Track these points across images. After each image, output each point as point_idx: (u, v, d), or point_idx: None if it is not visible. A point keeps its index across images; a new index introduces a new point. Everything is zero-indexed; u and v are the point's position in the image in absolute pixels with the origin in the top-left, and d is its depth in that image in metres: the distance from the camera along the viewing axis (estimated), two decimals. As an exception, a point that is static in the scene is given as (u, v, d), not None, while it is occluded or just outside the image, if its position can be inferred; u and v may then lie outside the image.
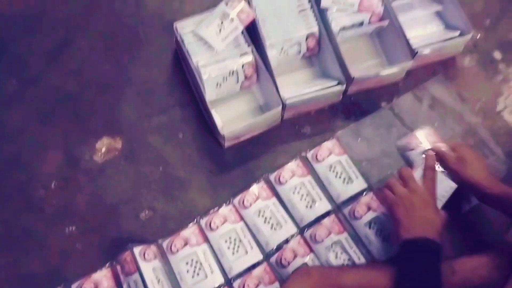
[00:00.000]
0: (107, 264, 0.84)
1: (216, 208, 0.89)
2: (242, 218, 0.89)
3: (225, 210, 0.89)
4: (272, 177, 0.92)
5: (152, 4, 1.08)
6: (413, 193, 0.80)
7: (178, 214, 0.90)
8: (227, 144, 0.93)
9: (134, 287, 0.79)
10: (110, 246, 0.87)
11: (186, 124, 0.97)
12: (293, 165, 0.92)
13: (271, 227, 0.88)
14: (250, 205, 0.89)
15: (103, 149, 0.95)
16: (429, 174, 0.84)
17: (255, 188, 0.90)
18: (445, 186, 0.85)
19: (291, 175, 0.91)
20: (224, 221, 0.88)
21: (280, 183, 0.91)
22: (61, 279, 0.84)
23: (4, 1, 1.06)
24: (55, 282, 0.84)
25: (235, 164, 0.95)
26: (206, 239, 0.87)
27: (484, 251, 0.83)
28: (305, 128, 0.98)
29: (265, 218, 0.89)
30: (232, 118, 0.97)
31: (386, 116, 0.99)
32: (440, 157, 0.88)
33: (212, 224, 0.87)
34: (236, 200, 0.90)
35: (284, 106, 0.91)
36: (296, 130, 0.98)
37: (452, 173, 0.86)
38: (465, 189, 0.86)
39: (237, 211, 0.89)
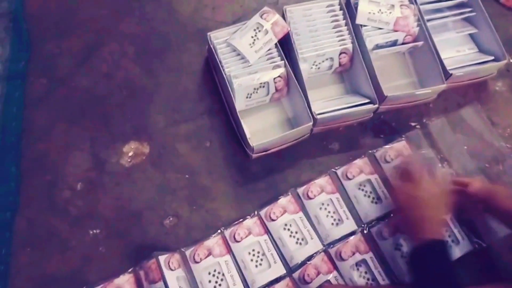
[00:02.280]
0: (130, 270, 0.84)
1: (240, 220, 0.89)
2: (266, 231, 0.88)
3: (250, 222, 0.88)
4: (300, 191, 0.91)
5: (184, 11, 1.08)
6: (419, 191, 0.80)
7: (202, 222, 0.90)
8: (254, 155, 0.93)
9: (157, 295, 0.79)
10: (133, 251, 0.86)
11: (214, 133, 0.97)
12: (322, 181, 0.92)
13: (297, 242, 0.87)
14: (277, 218, 0.88)
15: (130, 153, 0.95)
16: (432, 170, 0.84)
17: (282, 201, 0.90)
18: None
19: (320, 191, 0.91)
20: (248, 233, 0.87)
21: (308, 197, 0.90)
22: (82, 282, 0.84)
23: (36, 2, 1.07)
24: (77, 284, 0.84)
25: (261, 176, 0.94)
26: (230, 250, 0.86)
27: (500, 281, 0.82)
28: (333, 144, 0.98)
29: (291, 232, 0.88)
30: (260, 129, 0.97)
31: (415, 137, 0.98)
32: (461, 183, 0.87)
33: (236, 236, 0.86)
34: (262, 212, 0.89)
35: (314, 121, 0.91)
36: (323, 146, 0.97)
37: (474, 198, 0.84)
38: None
39: (262, 223, 0.89)
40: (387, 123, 0.99)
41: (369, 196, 0.91)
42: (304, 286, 0.84)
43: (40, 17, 1.05)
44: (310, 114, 0.90)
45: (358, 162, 0.94)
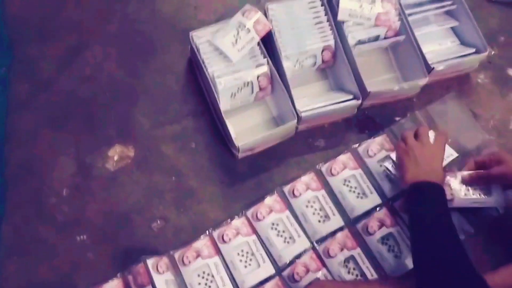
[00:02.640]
0: (119, 274, 0.84)
1: (228, 220, 0.89)
2: (254, 231, 0.88)
3: (238, 222, 0.89)
4: (286, 189, 0.92)
5: (166, 11, 1.08)
6: (423, 146, 0.87)
7: (190, 224, 0.90)
8: (240, 155, 0.93)
9: (147, 299, 0.79)
10: (121, 256, 0.86)
11: (199, 134, 0.97)
12: (307, 178, 0.92)
13: (284, 241, 0.88)
14: (264, 217, 0.88)
15: (116, 157, 0.94)
16: (441, 138, 0.89)
17: (268, 200, 0.90)
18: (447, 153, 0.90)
19: (305, 188, 0.91)
20: (236, 233, 0.87)
21: (294, 196, 0.91)
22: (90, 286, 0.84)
23: (16, 4, 1.06)
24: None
25: (248, 176, 0.95)
26: (218, 252, 0.86)
27: (499, 267, 0.83)
28: (319, 141, 0.98)
29: (278, 231, 0.88)
30: (245, 129, 0.97)
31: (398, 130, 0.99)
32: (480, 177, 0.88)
33: (224, 237, 0.87)
34: (249, 212, 0.89)
35: (299, 119, 0.91)
36: (309, 143, 0.98)
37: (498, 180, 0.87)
38: None
39: (250, 223, 0.89)
40: (371, 119, 1.00)
41: (354, 191, 0.92)
42: (294, 284, 0.85)
43: (20, 21, 1.04)
44: (294, 112, 0.90)
45: (342, 157, 0.94)
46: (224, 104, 0.93)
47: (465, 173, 0.89)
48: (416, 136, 0.89)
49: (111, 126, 0.97)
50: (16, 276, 0.85)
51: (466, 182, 0.89)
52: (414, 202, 0.82)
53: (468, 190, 0.88)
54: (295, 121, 0.90)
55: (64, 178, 0.92)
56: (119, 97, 0.99)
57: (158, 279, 0.79)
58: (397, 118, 1.00)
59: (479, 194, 0.88)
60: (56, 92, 0.99)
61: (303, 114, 0.91)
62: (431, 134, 0.90)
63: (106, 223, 0.89)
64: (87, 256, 0.87)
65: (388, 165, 0.93)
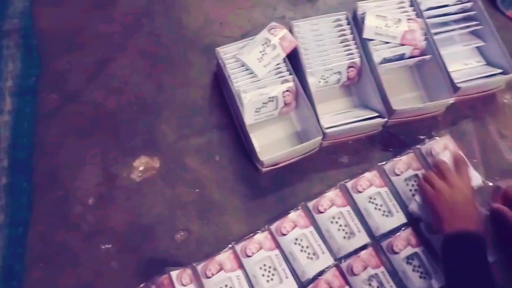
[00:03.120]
0: (142, 285, 0.84)
1: (251, 234, 0.89)
2: (277, 246, 0.88)
3: (261, 236, 0.89)
4: (310, 205, 0.92)
5: (192, 26, 1.09)
6: (453, 187, 0.82)
7: (213, 237, 0.90)
8: (264, 169, 0.93)
9: (170, 311, 0.79)
10: (144, 266, 0.87)
11: (223, 147, 0.98)
12: (332, 194, 0.92)
13: (308, 257, 0.87)
14: (288, 232, 0.88)
15: (141, 168, 0.95)
16: (463, 168, 0.85)
17: (293, 215, 0.90)
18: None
19: (330, 205, 0.91)
20: (259, 247, 0.87)
21: (318, 211, 0.91)
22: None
23: (45, 17, 1.08)
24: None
25: (271, 190, 0.95)
26: (241, 265, 0.86)
27: None
28: (343, 158, 0.98)
29: (302, 246, 0.88)
30: (269, 143, 0.97)
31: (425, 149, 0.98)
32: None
33: (247, 251, 0.87)
34: (273, 227, 0.89)
35: (324, 135, 0.91)
36: (333, 159, 0.98)
37: None
38: None
39: (273, 238, 0.89)
40: (395, 136, 1.00)
41: (379, 209, 0.92)
42: None
43: (50, 33, 1.07)
44: (319, 128, 0.91)
45: (367, 175, 0.94)
46: (248, 118, 0.94)
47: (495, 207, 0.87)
48: (439, 172, 0.86)
49: (137, 137, 0.98)
50: (41, 283, 0.86)
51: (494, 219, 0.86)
52: (452, 254, 0.78)
53: None
54: (320, 137, 0.90)
55: (90, 187, 0.93)
56: (145, 109, 1.01)
57: (181, 291, 0.79)
58: (422, 137, 1.00)
59: None
60: (83, 103, 1.01)
61: (327, 131, 0.91)
62: (448, 155, 0.88)
63: (130, 233, 0.90)
64: (111, 265, 0.87)
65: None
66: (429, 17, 1.02)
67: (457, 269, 0.76)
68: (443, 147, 0.96)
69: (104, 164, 0.96)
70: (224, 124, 1.00)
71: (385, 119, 0.93)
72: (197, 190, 0.94)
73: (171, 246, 0.89)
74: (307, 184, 0.95)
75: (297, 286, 0.85)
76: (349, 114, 0.97)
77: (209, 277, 0.84)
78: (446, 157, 0.91)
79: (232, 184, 0.95)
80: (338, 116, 0.98)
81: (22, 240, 0.88)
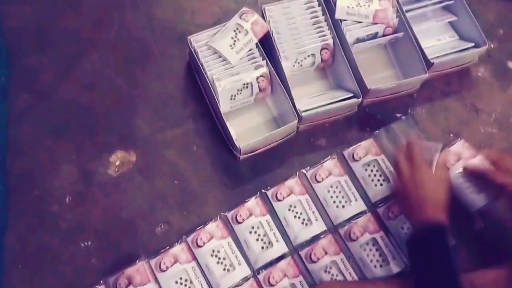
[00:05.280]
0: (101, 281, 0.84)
1: (201, 226, 0.88)
2: (230, 234, 0.88)
3: (213, 226, 0.88)
4: (269, 193, 0.91)
5: (163, 17, 1.08)
6: (420, 181, 0.82)
7: (194, 228, 0.89)
8: (242, 157, 0.92)
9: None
10: (126, 261, 0.86)
11: (200, 137, 0.97)
12: (292, 182, 0.92)
13: (263, 246, 0.88)
14: (243, 220, 0.88)
15: (117, 163, 0.94)
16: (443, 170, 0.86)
17: (250, 204, 0.90)
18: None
19: (289, 192, 0.91)
20: (210, 237, 0.87)
21: (277, 199, 0.90)
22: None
23: (12, 16, 1.05)
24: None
25: (250, 177, 0.94)
26: (195, 257, 0.86)
27: (503, 263, 0.82)
28: (320, 140, 0.98)
29: (258, 235, 0.88)
30: (246, 130, 0.96)
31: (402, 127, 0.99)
32: (481, 173, 0.87)
33: (198, 241, 0.86)
34: (229, 215, 0.89)
35: (300, 119, 0.90)
36: (311, 143, 0.97)
37: (500, 188, 0.84)
38: None
39: (225, 226, 0.88)
40: (372, 116, 1.00)
41: (338, 198, 0.92)
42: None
43: (18, 32, 1.04)
44: (295, 112, 0.90)
45: (328, 163, 0.94)
46: (224, 106, 0.93)
47: (470, 163, 0.88)
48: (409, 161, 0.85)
49: (112, 132, 0.97)
50: (21, 285, 0.85)
51: (466, 172, 0.88)
52: (417, 248, 0.80)
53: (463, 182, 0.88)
54: (296, 121, 0.90)
55: (66, 185, 0.92)
56: (119, 103, 0.99)
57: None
58: (398, 115, 1.00)
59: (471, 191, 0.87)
60: (56, 100, 0.99)
61: (303, 114, 0.90)
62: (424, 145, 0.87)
63: (110, 229, 0.89)
64: (92, 262, 0.86)
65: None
66: (401, -6, 1.01)
67: (422, 261, 0.78)
68: (365, 151, 0.95)
69: (80, 161, 0.94)
70: (200, 114, 0.99)
71: (360, 99, 0.93)
72: (176, 182, 0.93)
73: (152, 239, 0.89)
74: (286, 169, 0.95)
75: (250, 272, 0.85)
76: (325, 96, 0.96)
77: (164, 271, 0.83)
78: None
79: (211, 173, 0.94)
80: (314, 99, 0.97)
81: (0, 243, 0.87)
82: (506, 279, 0.80)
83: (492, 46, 1.06)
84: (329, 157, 0.95)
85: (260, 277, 0.85)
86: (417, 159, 0.84)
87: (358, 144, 0.96)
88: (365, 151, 0.95)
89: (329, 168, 0.93)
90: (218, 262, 0.85)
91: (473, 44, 0.99)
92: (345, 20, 0.98)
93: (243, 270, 0.85)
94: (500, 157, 0.87)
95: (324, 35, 0.97)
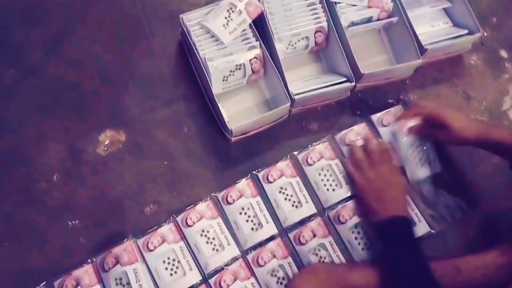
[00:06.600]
0: (88, 260, 0.83)
1: (191, 205, 0.88)
2: (219, 215, 0.88)
3: (202, 206, 0.88)
4: (260, 175, 0.91)
5: (156, -7, 1.05)
6: (379, 176, 0.87)
7: (183, 208, 0.89)
8: (233, 139, 0.92)
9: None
10: (114, 241, 0.85)
11: (191, 118, 0.96)
12: (282, 165, 0.92)
13: (253, 228, 0.88)
14: (234, 201, 0.88)
15: (106, 142, 0.93)
16: (386, 155, 0.90)
17: (242, 185, 0.90)
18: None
19: (280, 175, 0.91)
20: (200, 217, 0.86)
21: (268, 181, 0.90)
22: (62, 273, 0.82)
23: (0, -11, 1.03)
24: (57, 276, 0.82)
25: (241, 159, 0.94)
26: (183, 236, 0.86)
27: (489, 249, 0.84)
28: (312, 124, 0.97)
29: (249, 216, 0.88)
30: (238, 112, 0.96)
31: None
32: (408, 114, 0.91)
33: (188, 220, 0.86)
34: (219, 196, 0.89)
35: (292, 102, 0.90)
36: (302, 126, 0.97)
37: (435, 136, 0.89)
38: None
39: (215, 207, 0.88)
40: (364, 101, 0.99)
41: (328, 182, 0.93)
42: (258, 268, 0.85)
43: (5, 5, 1.01)
44: (287, 95, 0.90)
45: (319, 147, 0.94)
46: (216, 87, 0.92)
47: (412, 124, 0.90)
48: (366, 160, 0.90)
49: (101, 111, 0.95)
50: (7, 262, 0.84)
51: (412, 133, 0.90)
52: (384, 241, 0.83)
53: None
54: (288, 104, 0.89)
55: (54, 163, 0.91)
56: (108, 81, 0.97)
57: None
58: (390, 100, 1.00)
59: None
60: (43, 77, 0.97)
61: (296, 97, 0.90)
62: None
63: (98, 208, 0.88)
64: (79, 241, 0.86)
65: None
66: (396, -21, 1.00)
67: (390, 252, 0.80)
68: (356, 135, 0.96)
69: (68, 139, 0.93)
70: (191, 94, 0.97)
71: (353, 84, 0.93)
72: (165, 163, 0.93)
73: (141, 219, 0.88)
74: (277, 152, 0.95)
75: (239, 252, 0.86)
76: (318, 80, 0.96)
77: (152, 250, 0.83)
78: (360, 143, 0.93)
79: (202, 154, 0.94)
80: (306, 82, 0.97)
81: (-15, 220, 0.86)
82: (491, 265, 0.81)
83: (485, 34, 1.06)
84: (320, 140, 0.95)
85: (249, 257, 0.85)
86: (375, 156, 0.88)
87: (350, 128, 0.96)
88: (356, 135, 0.95)
89: (320, 151, 0.93)
90: (207, 242, 0.85)
91: (466, 31, 0.99)
92: (339, 3, 0.97)
93: (232, 250, 0.85)
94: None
95: (319, 18, 0.96)
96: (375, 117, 0.97)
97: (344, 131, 0.96)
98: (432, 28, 1.03)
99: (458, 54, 1.03)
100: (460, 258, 0.83)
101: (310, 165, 0.92)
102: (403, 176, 0.90)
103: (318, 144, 0.94)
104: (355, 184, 0.90)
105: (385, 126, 0.96)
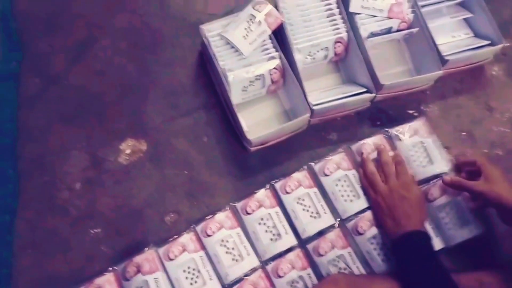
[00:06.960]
0: (110, 268, 0.84)
1: (211, 216, 0.88)
2: (239, 225, 0.88)
3: (222, 216, 0.88)
4: (278, 185, 0.91)
5: (176, 4, 1.07)
6: (394, 192, 0.85)
7: (203, 218, 0.89)
8: (252, 149, 0.92)
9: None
10: (135, 249, 0.86)
11: (211, 128, 0.97)
12: (300, 175, 0.92)
13: (272, 238, 0.88)
14: (253, 211, 0.88)
15: (128, 151, 0.94)
16: (402, 168, 0.88)
17: (260, 195, 0.90)
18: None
19: (298, 185, 0.91)
20: (220, 227, 0.87)
21: (286, 192, 0.90)
22: (84, 281, 0.83)
23: (25, 0, 1.05)
24: (79, 284, 0.83)
25: (260, 170, 0.94)
26: (203, 246, 0.86)
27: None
28: (331, 135, 0.97)
29: (268, 226, 0.88)
30: (257, 122, 0.96)
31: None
32: (461, 185, 0.86)
33: (208, 230, 0.86)
34: (238, 206, 0.89)
35: (312, 112, 0.90)
36: (321, 136, 0.97)
37: (478, 196, 0.85)
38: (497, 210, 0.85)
39: (234, 217, 0.88)
40: (384, 112, 0.99)
41: (346, 192, 0.92)
42: (277, 280, 0.85)
43: (30, 15, 1.04)
44: (307, 105, 0.90)
45: (335, 157, 0.93)
46: (235, 97, 0.92)
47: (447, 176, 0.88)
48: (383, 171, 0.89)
49: (122, 120, 0.97)
50: (30, 269, 0.85)
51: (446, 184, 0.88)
52: (401, 258, 0.81)
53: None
54: (308, 114, 0.89)
55: (76, 172, 0.92)
56: (130, 91, 0.99)
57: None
58: (411, 111, 0.99)
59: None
60: (66, 86, 0.99)
61: (315, 108, 0.90)
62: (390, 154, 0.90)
63: (119, 216, 0.89)
64: (101, 249, 0.87)
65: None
66: (416, -11, 1.00)
67: (409, 269, 0.79)
68: (373, 147, 0.94)
69: (90, 148, 0.94)
70: (211, 104, 0.98)
71: (373, 94, 0.92)
72: (185, 172, 0.93)
73: (161, 228, 0.89)
74: (296, 162, 0.95)
75: (259, 263, 0.86)
76: (337, 91, 0.96)
77: (172, 259, 0.84)
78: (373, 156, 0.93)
79: (221, 164, 0.94)
80: (326, 93, 0.97)
81: (9, 227, 0.88)
82: None
83: (507, 44, 1.05)
84: (337, 150, 0.95)
85: (269, 268, 0.85)
86: (388, 168, 0.87)
87: (365, 139, 0.95)
88: (373, 147, 0.95)
89: (337, 162, 0.93)
90: (227, 252, 0.86)
91: (489, 42, 0.99)
92: (359, 13, 0.97)
93: (252, 261, 0.85)
94: (480, 162, 0.86)
95: (338, 28, 0.96)
96: (393, 131, 0.96)
97: (360, 142, 0.95)
98: (453, 38, 1.02)
99: (479, 65, 1.02)
100: (482, 271, 0.82)
101: (327, 175, 0.92)
102: (419, 188, 0.88)
103: (335, 154, 0.94)
104: (370, 198, 0.89)
105: (401, 140, 0.95)
